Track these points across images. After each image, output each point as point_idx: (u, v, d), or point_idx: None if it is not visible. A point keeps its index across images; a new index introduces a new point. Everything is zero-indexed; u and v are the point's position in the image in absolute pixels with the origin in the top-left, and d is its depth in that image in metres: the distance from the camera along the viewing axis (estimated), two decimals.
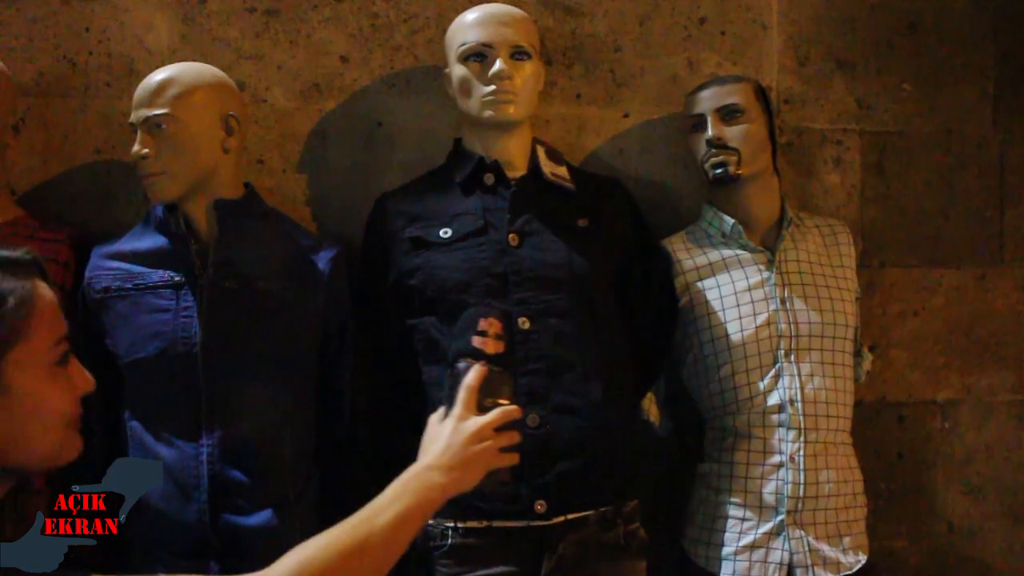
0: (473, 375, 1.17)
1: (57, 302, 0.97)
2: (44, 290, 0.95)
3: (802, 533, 1.74)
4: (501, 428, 1.16)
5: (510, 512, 1.58)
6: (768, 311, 1.82)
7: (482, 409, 1.16)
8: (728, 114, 1.84)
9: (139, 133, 1.61)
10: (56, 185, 1.92)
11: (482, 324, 1.22)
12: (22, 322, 0.91)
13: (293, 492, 1.62)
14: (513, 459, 1.17)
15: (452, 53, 1.73)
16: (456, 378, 1.19)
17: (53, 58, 1.93)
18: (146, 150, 1.60)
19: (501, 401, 1.18)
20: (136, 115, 1.62)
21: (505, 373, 1.21)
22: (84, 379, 1.00)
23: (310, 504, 1.65)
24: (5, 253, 0.94)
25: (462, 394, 1.16)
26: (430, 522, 1.62)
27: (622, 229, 1.79)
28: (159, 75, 1.63)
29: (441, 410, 1.19)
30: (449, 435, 1.13)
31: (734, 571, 1.74)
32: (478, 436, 1.13)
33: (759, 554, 1.74)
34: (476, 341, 1.21)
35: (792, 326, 1.81)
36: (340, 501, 1.68)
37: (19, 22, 1.92)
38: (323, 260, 1.68)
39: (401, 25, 1.97)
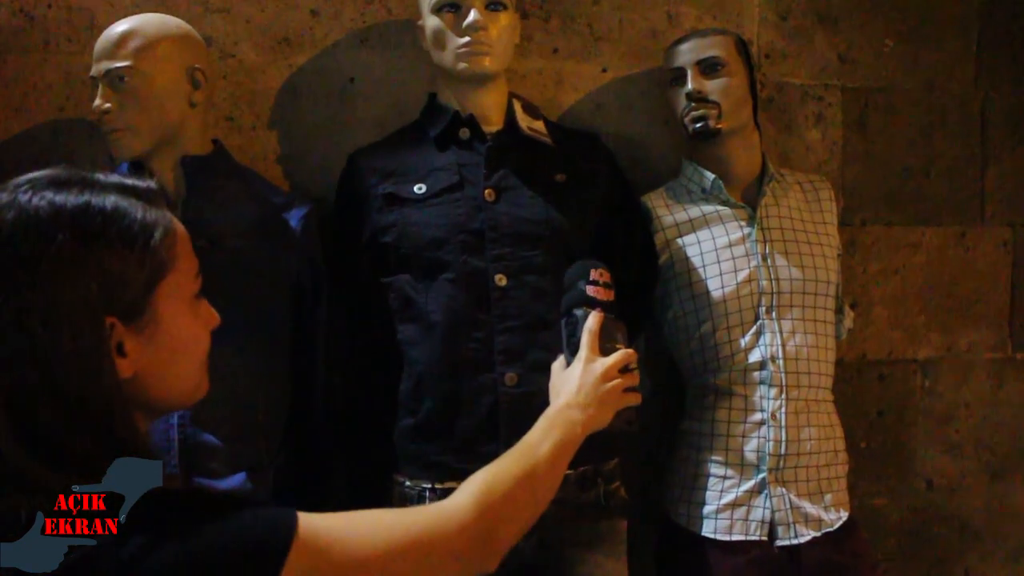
0: (594, 320, 1.24)
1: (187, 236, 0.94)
2: (178, 221, 0.92)
3: (784, 491, 1.73)
4: (623, 370, 1.22)
5: None
6: (749, 267, 1.79)
7: (604, 352, 1.23)
8: (708, 67, 1.80)
9: (100, 87, 1.55)
10: (16, 144, 1.85)
11: (593, 274, 1.29)
12: (169, 252, 0.88)
13: (267, 455, 1.59)
14: (636, 399, 1.24)
15: (425, 4, 1.68)
16: (575, 326, 1.26)
17: (9, 11, 1.85)
18: (108, 104, 1.54)
19: (618, 345, 1.25)
20: (97, 68, 1.56)
21: (617, 319, 1.28)
22: (212, 314, 0.98)
23: (284, 466, 1.62)
24: (137, 182, 0.90)
25: (586, 338, 1.23)
26: (407, 483, 1.60)
27: (601, 185, 1.76)
28: (121, 26, 1.57)
29: (561, 358, 1.27)
30: (580, 376, 1.19)
31: (715, 529, 1.73)
32: (606, 376, 1.20)
33: (740, 512, 1.73)
34: (590, 290, 1.28)
35: (773, 283, 1.79)
36: (315, 462, 1.68)
37: None
38: (295, 218, 1.64)
39: None
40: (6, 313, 0.79)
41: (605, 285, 1.29)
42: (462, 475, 1.52)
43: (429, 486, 1.58)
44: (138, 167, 1.60)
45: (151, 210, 0.88)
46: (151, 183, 0.91)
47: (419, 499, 1.58)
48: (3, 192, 0.83)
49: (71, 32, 1.86)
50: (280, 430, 1.63)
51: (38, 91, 1.86)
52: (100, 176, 0.87)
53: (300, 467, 1.64)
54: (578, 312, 1.27)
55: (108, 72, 1.54)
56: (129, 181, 0.89)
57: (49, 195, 0.82)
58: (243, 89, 1.88)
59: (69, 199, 0.83)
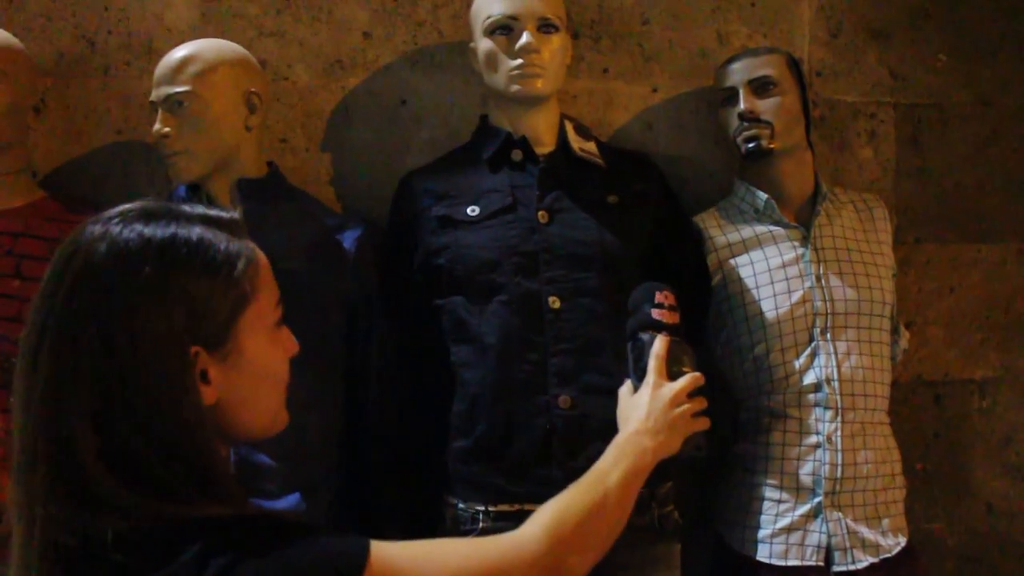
0: (660, 344, 1.22)
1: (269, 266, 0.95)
2: (260, 252, 0.94)
3: (840, 515, 1.71)
4: (691, 394, 1.20)
5: (542, 495, 1.51)
6: (803, 288, 1.77)
7: (671, 376, 1.20)
8: (760, 87, 1.79)
9: (160, 111, 1.59)
10: (78, 166, 1.89)
11: (658, 296, 1.27)
12: (251, 283, 0.90)
13: (320, 475, 1.60)
14: (705, 424, 1.21)
15: (478, 27, 1.69)
16: (641, 350, 1.24)
17: (72, 38, 1.90)
18: (167, 129, 1.57)
19: (685, 369, 1.22)
20: (157, 93, 1.59)
21: (684, 342, 1.25)
22: (292, 342, 0.98)
23: (337, 487, 1.63)
24: (220, 214, 0.92)
25: (653, 363, 1.21)
26: (460, 505, 1.60)
27: (653, 205, 1.75)
28: (180, 52, 1.60)
29: (629, 383, 1.24)
30: (648, 402, 1.17)
31: (771, 554, 1.71)
32: (675, 401, 1.18)
33: (796, 536, 1.70)
34: (655, 313, 1.26)
35: (828, 303, 1.76)
36: (367, 484, 1.68)
37: (37, 2, 1.89)
38: (349, 240, 1.65)
39: (424, 0, 1.93)
40: (96, 340, 0.81)
41: (670, 308, 1.27)
42: (516, 497, 1.55)
43: (483, 508, 1.57)
44: (195, 190, 1.63)
45: (234, 241, 0.90)
46: (234, 214, 0.94)
47: (472, 521, 1.58)
48: (97, 224, 0.86)
49: (129, 57, 1.90)
50: (334, 451, 1.64)
51: (98, 114, 1.90)
52: (186, 208, 0.90)
53: (354, 488, 1.65)
54: (644, 336, 1.24)
55: (167, 97, 1.57)
56: (213, 212, 0.92)
57: (139, 227, 0.85)
58: (296, 111, 1.90)
59: (157, 231, 0.85)
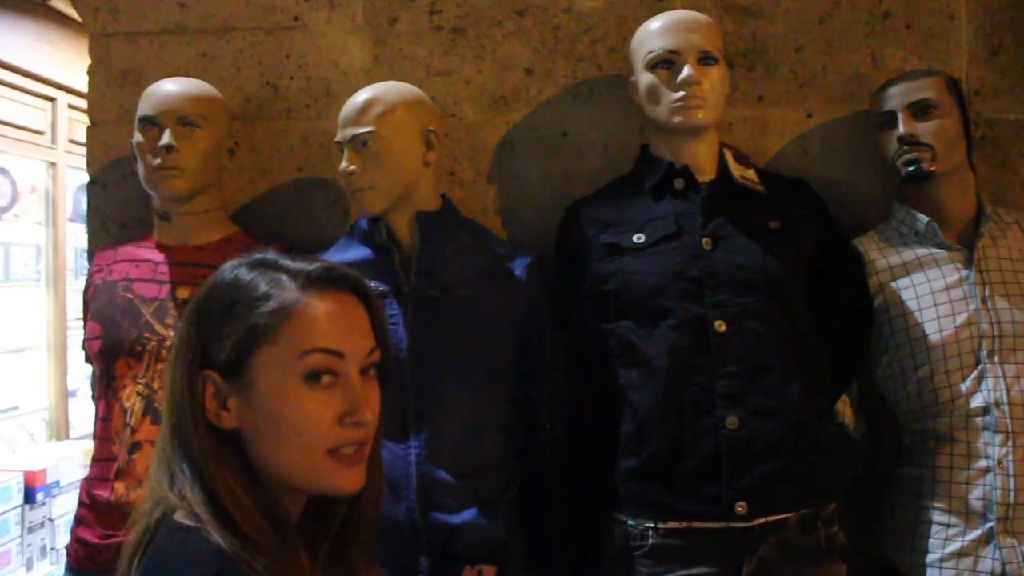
0: None
1: (327, 320, 0.97)
2: (317, 305, 0.97)
3: (1014, 542, 1.67)
4: None
5: (711, 513, 1.59)
6: (968, 311, 1.76)
7: None
8: (920, 110, 1.80)
9: (346, 151, 1.70)
10: (263, 202, 2.06)
11: None
12: (276, 326, 0.96)
13: (495, 491, 1.67)
14: None
15: (639, 61, 1.75)
16: None
17: (258, 84, 2.07)
18: (353, 166, 1.68)
19: None
20: (343, 134, 1.71)
21: None
22: (351, 406, 0.97)
23: (512, 503, 1.70)
24: (306, 267, 1.00)
25: None
26: (630, 522, 1.65)
27: (813, 230, 1.77)
28: (363, 95, 1.71)
29: None
30: None
31: None
32: None
33: (967, 562, 1.69)
34: None
35: (994, 326, 1.74)
36: (539, 501, 1.76)
37: (228, 53, 2.07)
38: (520, 267, 1.73)
39: (583, 36, 2.02)
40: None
41: None
42: (685, 515, 1.60)
43: (652, 525, 1.62)
44: (375, 222, 1.74)
45: (287, 289, 0.98)
46: (314, 267, 1.01)
47: (642, 537, 1.63)
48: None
49: (309, 100, 2.05)
50: (507, 467, 1.72)
51: (281, 154, 2.06)
52: (291, 262, 1.01)
53: (527, 504, 1.72)
54: None
55: (353, 137, 1.69)
56: (298, 265, 1.00)
57: (243, 271, 0.99)
58: (463, 146, 2.01)
59: (242, 274, 0.99)
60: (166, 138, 1.77)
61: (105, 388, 1.81)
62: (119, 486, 1.75)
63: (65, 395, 4.32)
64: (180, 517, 0.92)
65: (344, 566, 1.07)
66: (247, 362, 0.95)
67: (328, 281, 0.99)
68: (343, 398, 0.97)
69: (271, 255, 1.01)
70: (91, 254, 2.08)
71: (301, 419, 0.95)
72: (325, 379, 0.97)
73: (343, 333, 0.98)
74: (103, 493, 1.77)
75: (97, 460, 1.82)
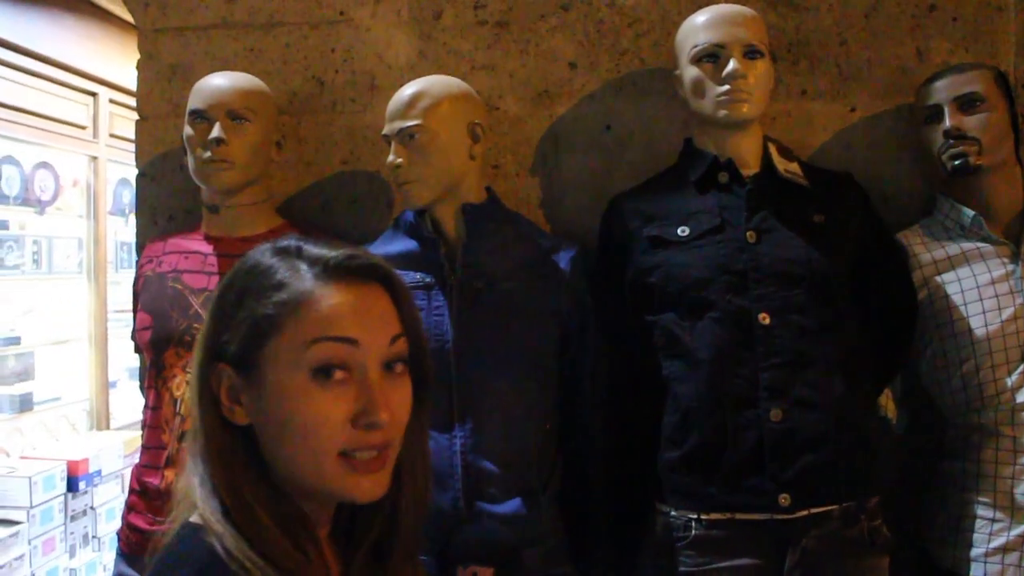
0: None
1: (339, 308, 0.90)
2: (331, 294, 0.90)
3: None
4: None
5: (754, 505, 1.60)
6: (1015, 305, 1.75)
7: None
8: (967, 103, 1.79)
9: (393, 144, 1.72)
10: (308, 194, 2.09)
11: None
12: (285, 315, 0.89)
13: (539, 482, 1.69)
14: None
15: (684, 55, 1.76)
16: None
17: (304, 78, 2.10)
18: (400, 159, 1.71)
19: None
20: (390, 127, 1.73)
21: None
22: (366, 406, 0.89)
23: (554, 494, 1.72)
24: (327, 253, 0.92)
25: None
26: (672, 513, 1.66)
27: (857, 224, 1.77)
28: (410, 89, 1.73)
29: None
30: None
31: (985, 573, 1.69)
32: None
33: (1012, 557, 1.68)
34: None
35: None
36: (581, 491, 1.77)
37: (275, 48, 2.10)
38: (564, 260, 1.74)
39: (626, 30, 2.03)
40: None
41: None
42: (728, 506, 1.61)
43: (695, 516, 1.63)
44: (420, 214, 1.76)
45: (302, 278, 0.90)
46: (336, 253, 0.92)
47: (685, 528, 1.64)
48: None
49: (355, 94, 2.08)
50: (551, 458, 1.73)
51: (326, 147, 2.09)
52: (314, 248, 0.93)
53: (570, 494, 1.73)
54: None
55: (400, 131, 1.71)
56: (333, 254, 0.92)
57: (265, 257, 0.94)
58: (507, 139, 2.03)
59: (264, 260, 0.94)
60: (216, 131, 1.80)
61: (155, 377, 1.84)
62: (168, 474, 1.79)
63: (106, 386, 4.39)
64: (195, 517, 0.89)
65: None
66: (257, 355, 0.89)
67: (347, 270, 0.91)
68: (357, 396, 0.89)
69: (295, 241, 0.94)
70: (140, 246, 2.12)
71: (309, 418, 0.87)
72: (337, 374, 0.88)
73: (358, 320, 0.90)
74: (153, 480, 1.81)
75: (147, 448, 1.85)
